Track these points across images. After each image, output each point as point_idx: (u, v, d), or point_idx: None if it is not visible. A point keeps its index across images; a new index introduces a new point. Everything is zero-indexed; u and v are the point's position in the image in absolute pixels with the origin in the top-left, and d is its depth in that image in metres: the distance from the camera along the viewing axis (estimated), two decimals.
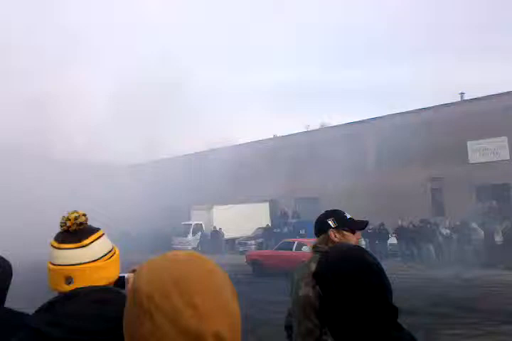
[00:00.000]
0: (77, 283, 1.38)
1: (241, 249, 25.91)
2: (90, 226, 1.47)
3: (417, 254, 21.11)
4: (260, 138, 36.87)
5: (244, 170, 31.74)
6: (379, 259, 1.32)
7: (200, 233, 29.24)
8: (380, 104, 65.45)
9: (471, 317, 9.19)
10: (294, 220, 28.36)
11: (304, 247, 16.34)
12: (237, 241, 27.75)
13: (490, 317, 8.82)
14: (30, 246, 22.56)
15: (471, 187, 25.59)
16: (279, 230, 26.43)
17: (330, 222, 2.57)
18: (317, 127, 37.30)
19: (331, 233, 2.54)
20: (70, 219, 1.42)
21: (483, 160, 25.54)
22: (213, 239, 28.06)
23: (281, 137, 36.56)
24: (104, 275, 1.43)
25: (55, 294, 1.41)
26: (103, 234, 1.48)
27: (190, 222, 30.19)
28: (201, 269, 0.84)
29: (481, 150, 25.72)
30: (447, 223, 20.60)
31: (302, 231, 25.36)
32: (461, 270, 16.99)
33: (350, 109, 64.83)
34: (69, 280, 1.38)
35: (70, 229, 1.42)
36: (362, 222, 2.68)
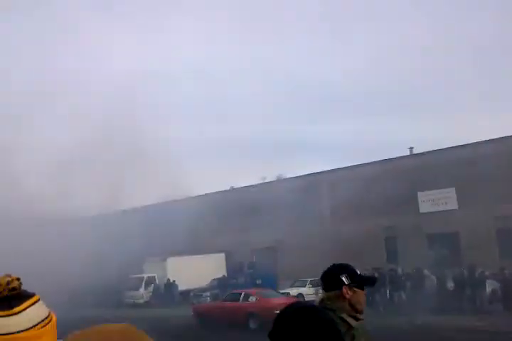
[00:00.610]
0: None
1: (195, 301, 25.12)
2: (24, 291, 1.36)
3: (371, 301, 21.07)
4: (217, 190, 36.96)
5: (200, 221, 31.42)
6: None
7: (152, 285, 28.27)
8: (335, 157, 67.30)
9: None
10: (250, 271, 27.96)
11: (250, 298, 16.05)
12: (192, 293, 26.93)
13: None
14: None
15: (423, 235, 26.26)
16: (234, 281, 25.92)
17: (343, 278, 2.36)
18: (273, 179, 37.84)
19: (345, 290, 2.35)
20: (0, 284, 1.30)
21: (433, 209, 26.43)
22: (167, 292, 27.15)
23: (237, 189, 36.76)
24: None
25: None
26: (38, 300, 1.37)
27: (142, 275, 29.22)
28: None
29: (431, 201, 26.67)
30: (400, 270, 20.85)
31: (258, 282, 24.99)
32: (414, 316, 17.06)
33: (305, 162, 66.28)
34: None
35: (0, 295, 1.31)
36: (373, 278, 2.61)
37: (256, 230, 31.50)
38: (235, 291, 18.42)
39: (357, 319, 2.31)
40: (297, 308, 1.31)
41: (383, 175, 27.47)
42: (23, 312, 1.29)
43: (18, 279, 1.35)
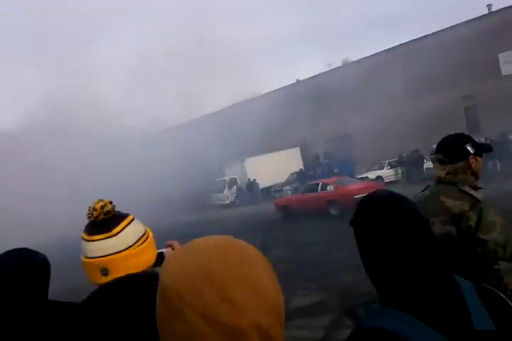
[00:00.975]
0: (114, 274, 1.33)
1: (277, 195, 25.87)
2: (119, 212, 1.42)
3: None
4: (284, 84, 36.13)
5: (271, 118, 31.23)
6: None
7: (235, 187, 29.34)
8: (408, 29, 61.95)
9: None
10: (326, 160, 27.98)
11: (328, 187, 16.15)
12: (272, 189, 27.71)
13: None
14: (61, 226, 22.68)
15: (505, 99, 24.36)
16: (312, 172, 26.15)
17: (469, 148, 2.23)
18: (339, 64, 36.05)
19: (471, 159, 2.22)
20: (96, 209, 1.37)
21: None
22: (249, 191, 28.12)
23: (304, 80, 35.58)
24: (141, 262, 1.39)
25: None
26: (133, 219, 1.43)
27: (224, 178, 30.27)
28: (235, 258, 0.70)
29: None
30: (483, 140, 19.74)
31: (336, 170, 25.02)
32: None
33: (371, 41, 62.06)
34: (105, 271, 1.35)
35: (97, 219, 1.37)
36: (489, 144, 2.52)
37: (327, 120, 30.87)
38: (312, 182, 18.55)
39: (476, 188, 2.20)
40: (379, 197, 1.24)
41: (459, 40, 25.04)
42: (121, 233, 1.36)
43: (111, 202, 1.40)
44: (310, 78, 34.69)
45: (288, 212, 17.51)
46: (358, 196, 14.73)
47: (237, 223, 19.11)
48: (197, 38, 31.09)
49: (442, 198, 2.13)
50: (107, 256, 1.34)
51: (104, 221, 1.36)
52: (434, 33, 27.35)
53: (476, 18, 25.94)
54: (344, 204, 14.90)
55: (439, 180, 2.25)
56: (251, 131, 30.07)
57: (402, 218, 1.17)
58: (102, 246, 1.34)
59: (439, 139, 2.37)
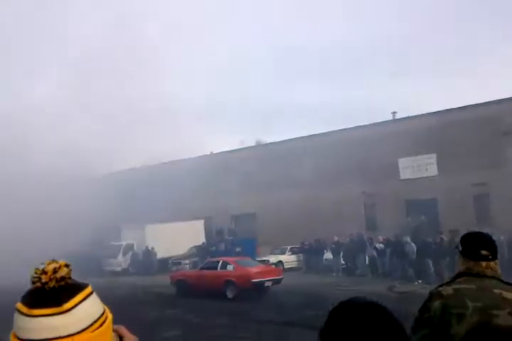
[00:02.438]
0: None
1: (174, 268, 24.92)
2: (74, 281, 1.08)
3: (352, 268, 21.29)
4: (194, 155, 36.25)
5: (178, 187, 30.90)
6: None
7: (131, 253, 27.96)
8: (316, 122, 66.61)
9: None
10: (230, 238, 27.81)
11: (228, 266, 15.91)
12: (170, 261, 26.71)
13: None
14: None
15: (402, 202, 26.31)
16: (214, 248, 25.74)
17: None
18: (252, 144, 37.30)
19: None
20: (45, 273, 1.03)
21: (413, 176, 26.39)
22: (145, 259, 26.88)
23: (217, 154, 36.18)
24: None
25: None
26: (92, 292, 1.09)
27: (120, 243, 28.81)
28: None
29: (412, 167, 26.58)
30: (380, 238, 20.89)
31: (238, 249, 24.86)
32: (394, 283, 17.15)
33: (286, 127, 65.76)
34: None
35: (45, 286, 1.02)
36: None
37: (235, 196, 31.19)
38: (213, 259, 18.29)
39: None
40: (358, 306, 1.07)
41: (364, 141, 27.17)
42: (75, 309, 1.02)
43: (67, 266, 1.07)
44: (224, 153, 35.36)
45: (183, 288, 16.76)
46: (256, 280, 14.71)
47: (129, 294, 17.97)
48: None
49: (497, 291, 2.17)
50: (51, 339, 0.99)
51: (53, 290, 1.02)
52: (339, 131, 29.40)
53: (383, 122, 28.48)
54: (241, 286, 14.81)
55: (480, 275, 2.27)
56: (155, 197, 29.45)
57: (392, 333, 1.06)
58: (45, 325, 0.99)
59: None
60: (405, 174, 26.79)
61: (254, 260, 22.91)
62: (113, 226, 29.59)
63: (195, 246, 27.57)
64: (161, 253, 26.95)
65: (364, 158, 26.59)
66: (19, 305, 1.04)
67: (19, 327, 1.02)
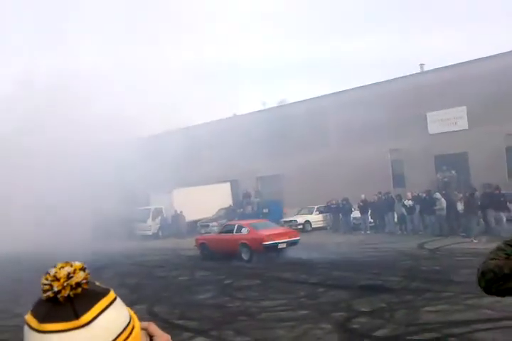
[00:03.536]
0: None
1: (203, 231, 25.23)
2: (93, 287, 0.88)
3: (381, 226, 21.12)
4: (219, 118, 35.92)
5: (204, 150, 30.85)
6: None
7: (160, 217, 28.37)
8: (341, 79, 64.70)
9: (447, 290, 8.83)
10: (256, 199, 27.85)
11: (243, 229, 16.10)
12: (199, 224, 27.04)
13: (467, 290, 8.45)
14: None
15: (430, 157, 25.71)
16: (241, 210, 25.86)
17: None
18: (275, 104, 36.71)
19: None
20: (58, 279, 0.83)
21: (442, 130, 25.63)
22: (174, 223, 27.26)
23: (240, 115, 35.76)
24: None
25: None
26: (115, 299, 0.89)
27: (149, 207, 29.20)
28: None
29: (440, 121, 25.78)
30: (409, 195, 20.52)
31: (265, 210, 24.92)
32: (424, 240, 16.95)
33: (309, 85, 64.19)
34: None
35: (58, 296, 0.83)
36: None
37: (262, 158, 30.99)
38: (230, 223, 18.54)
39: None
40: None
41: (391, 95, 26.35)
42: (95, 322, 0.83)
43: (84, 269, 0.86)
44: (247, 114, 34.94)
45: (205, 251, 17.19)
46: (268, 243, 14.83)
47: (160, 257, 18.34)
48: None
49: None
50: None
51: (69, 300, 0.84)
52: (366, 86, 28.57)
53: (410, 75, 27.47)
54: (254, 248, 15.06)
55: None
56: (182, 161, 29.49)
57: None
58: None
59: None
60: (434, 128, 26.03)
61: (280, 221, 23.05)
62: (142, 191, 29.93)
63: (222, 209, 27.78)
64: (189, 217, 27.24)
65: (391, 113, 25.85)
66: (28, 318, 0.85)
67: None
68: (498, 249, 2.06)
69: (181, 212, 27.32)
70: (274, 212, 24.53)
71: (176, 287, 11.64)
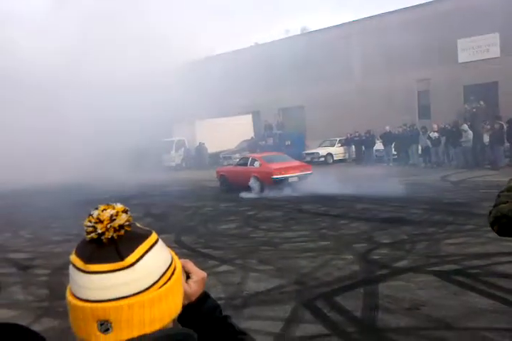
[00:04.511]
0: (119, 331, 0.83)
1: (225, 162, 25.47)
2: (135, 229, 0.90)
3: (404, 159, 20.98)
4: (240, 47, 34.88)
5: (225, 81, 30.27)
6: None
7: (183, 149, 28.63)
8: (366, 5, 61.41)
9: (469, 223, 8.87)
10: (278, 132, 27.72)
11: (255, 162, 16.34)
12: (221, 155, 27.25)
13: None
14: None
15: (459, 87, 24.84)
16: (264, 142, 25.85)
17: None
18: (298, 32, 35.33)
19: None
20: (101, 221, 0.85)
21: (472, 58, 24.50)
22: (197, 155, 27.52)
23: (261, 45, 34.64)
24: (165, 310, 0.88)
25: None
26: (157, 241, 0.91)
27: (172, 138, 29.39)
28: None
29: (472, 49, 24.57)
30: (435, 126, 20.10)
31: (287, 143, 24.86)
32: (449, 173, 16.84)
33: (332, 13, 61.24)
34: (105, 325, 0.83)
35: (102, 238, 0.85)
36: None
37: (283, 88, 30.39)
38: (245, 156, 18.78)
39: None
40: None
41: (419, 22, 25.00)
42: (139, 263, 0.85)
43: (126, 211, 0.88)
44: (267, 44, 33.82)
45: (224, 183, 17.62)
46: (277, 176, 14.92)
47: (184, 188, 18.74)
48: None
49: None
50: (112, 300, 0.83)
51: (112, 242, 0.86)
52: (391, 12, 27.11)
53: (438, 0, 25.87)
54: (264, 181, 15.28)
55: None
56: (203, 93, 29.13)
57: None
58: (105, 284, 0.84)
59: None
60: (464, 57, 24.89)
61: (302, 153, 23.02)
62: (163, 123, 29.96)
63: (245, 141, 27.81)
64: (212, 149, 27.42)
65: (419, 41, 24.66)
66: (73, 258, 0.87)
67: (76, 284, 0.86)
68: (509, 189, 1.98)
69: (204, 143, 27.47)
70: (296, 144, 24.48)
71: (200, 217, 11.96)
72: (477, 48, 24.40)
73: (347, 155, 24.50)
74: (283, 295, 5.81)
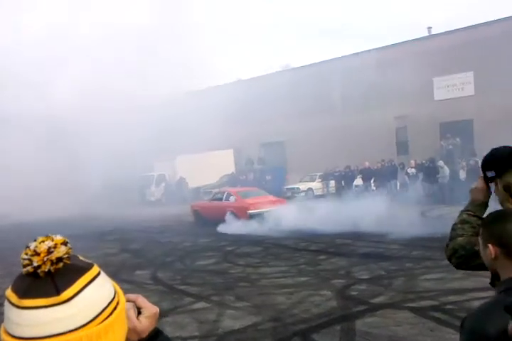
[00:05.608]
0: None
1: (205, 197, 25.34)
2: (75, 260, 0.86)
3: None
4: (221, 83, 35.43)
5: (205, 116, 30.57)
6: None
7: (163, 184, 28.52)
8: (345, 44, 63.50)
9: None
10: (259, 166, 27.87)
11: (231, 197, 16.57)
12: (201, 190, 27.18)
13: None
14: None
15: (435, 124, 25.45)
16: (244, 177, 25.90)
17: None
18: (279, 69, 36.12)
19: None
20: (38, 254, 0.81)
21: (448, 96, 25.26)
22: (177, 189, 27.42)
23: (243, 80, 35.27)
24: None
25: None
26: (98, 274, 0.87)
27: (152, 173, 29.32)
28: None
29: (447, 87, 25.37)
30: (413, 162, 20.44)
31: (268, 177, 24.96)
32: (426, 208, 17.02)
33: (312, 50, 63.09)
34: None
35: (39, 271, 0.81)
36: None
37: (265, 124, 30.76)
38: (220, 191, 19.02)
39: None
40: None
41: (397, 61, 25.79)
42: (77, 298, 0.81)
43: (66, 243, 0.84)
44: (250, 79, 34.44)
45: (198, 217, 17.76)
46: (253, 211, 14.98)
47: (163, 223, 18.57)
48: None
49: None
50: (47, 337, 0.78)
51: (49, 275, 0.81)
52: (371, 50, 27.98)
53: (416, 39, 26.84)
54: (240, 216, 15.43)
55: None
56: (184, 128, 29.33)
57: None
58: (40, 320, 0.78)
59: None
60: (440, 94, 25.65)
61: (283, 188, 23.10)
62: (145, 158, 29.96)
63: (225, 175, 27.85)
64: (192, 183, 27.37)
65: (396, 79, 25.39)
66: (9, 293, 0.83)
67: (9, 321, 0.82)
68: (462, 222, 2.01)
69: (184, 178, 27.44)
70: (276, 178, 24.58)
71: (178, 253, 11.80)
72: (452, 86, 25.21)
73: (326, 190, 24.61)
74: (259, 333, 5.70)
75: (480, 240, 1.69)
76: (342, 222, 13.91)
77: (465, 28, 24.67)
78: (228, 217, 15.61)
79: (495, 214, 1.69)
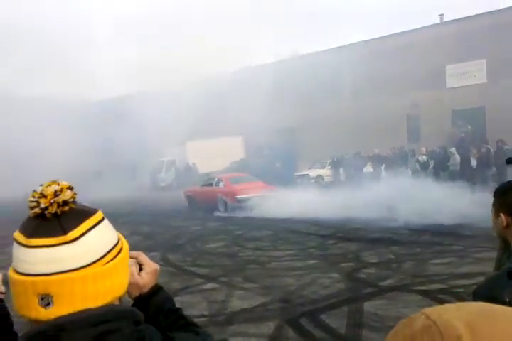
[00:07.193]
0: (60, 305, 0.82)
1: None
2: (80, 206, 0.89)
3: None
4: (233, 69, 35.24)
5: (216, 103, 30.52)
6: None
7: (173, 169, 28.65)
8: (358, 30, 62.51)
9: (457, 244, 8.91)
10: (269, 153, 27.83)
11: (220, 183, 17.02)
12: (211, 176, 27.23)
13: (477, 243, 8.52)
14: None
15: (447, 112, 25.23)
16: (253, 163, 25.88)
17: None
18: (288, 56, 35.78)
19: None
20: (45, 196, 0.84)
21: (460, 84, 24.98)
22: (187, 175, 27.53)
23: (253, 67, 35.03)
24: (108, 288, 0.87)
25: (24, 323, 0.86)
26: (102, 219, 0.90)
27: (162, 159, 29.45)
28: None
29: (459, 75, 25.07)
30: (423, 150, 20.30)
31: (278, 164, 24.92)
32: None
33: (324, 36, 62.27)
34: (46, 300, 0.82)
35: (45, 212, 0.84)
36: None
37: (276, 110, 30.65)
38: (212, 177, 19.42)
39: None
40: None
41: (409, 48, 25.53)
42: (82, 239, 0.85)
43: (71, 188, 0.87)
44: (260, 66, 34.18)
45: (191, 202, 18.28)
46: (240, 196, 15.28)
47: (173, 207, 18.70)
48: None
49: None
50: (53, 274, 0.82)
51: (56, 217, 0.85)
52: (383, 37, 27.68)
53: (428, 26, 26.47)
54: (229, 201, 15.98)
55: None
56: (194, 114, 29.34)
57: None
58: (47, 258, 0.82)
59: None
60: (452, 82, 25.37)
61: (293, 175, 23.11)
62: (156, 142, 30.07)
63: (235, 162, 27.86)
64: (202, 169, 27.45)
65: (409, 66, 25.13)
66: (16, 235, 0.86)
67: (17, 259, 0.85)
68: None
69: (194, 163, 27.51)
70: (286, 165, 24.54)
71: (188, 236, 11.91)
72: (465, 74, 24.91)
73: (335, 176, 24.49)
74: (267, 313, 5.76)
75: (492, 210, 1.70)
76: (352, 208, 13.92)
77: (477, 15, 24.28)
78: (218, 201, 16.24)
79: (507, 185, 1.70)
